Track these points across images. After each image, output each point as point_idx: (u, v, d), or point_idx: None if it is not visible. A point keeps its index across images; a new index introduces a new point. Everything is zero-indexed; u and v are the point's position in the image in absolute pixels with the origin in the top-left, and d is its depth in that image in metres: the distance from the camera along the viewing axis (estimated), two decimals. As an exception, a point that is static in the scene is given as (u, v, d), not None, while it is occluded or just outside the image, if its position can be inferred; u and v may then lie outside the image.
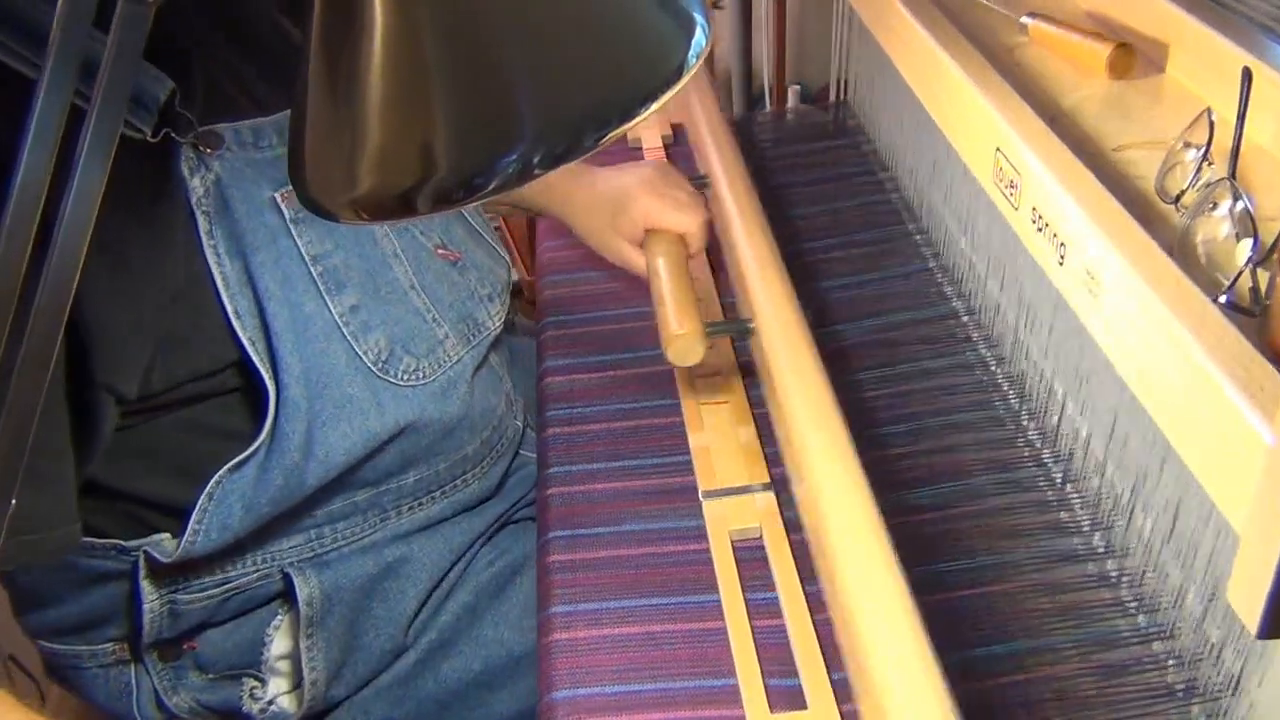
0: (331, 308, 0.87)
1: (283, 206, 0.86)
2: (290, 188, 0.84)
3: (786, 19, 2.14)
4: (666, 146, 1.43)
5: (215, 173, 0.83)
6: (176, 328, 0.82)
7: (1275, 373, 0.55)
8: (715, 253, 1.14)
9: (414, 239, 0.96)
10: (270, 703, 0.92)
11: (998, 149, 0.81)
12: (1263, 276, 0.64)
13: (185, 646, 0.92)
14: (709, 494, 0.94)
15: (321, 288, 0.87)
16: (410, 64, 0.45)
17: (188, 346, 0.83)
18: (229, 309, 0.83)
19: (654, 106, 0.46)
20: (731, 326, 0.94)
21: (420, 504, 0.97)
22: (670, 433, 1.01)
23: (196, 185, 0.82)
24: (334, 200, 0.48)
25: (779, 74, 1.83)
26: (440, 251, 0.98)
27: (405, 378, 0.92)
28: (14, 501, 0.57)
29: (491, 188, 0.45)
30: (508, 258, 1.08)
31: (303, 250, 0.87)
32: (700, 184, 1.05)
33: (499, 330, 1.04)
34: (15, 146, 0.51)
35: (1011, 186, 0.80)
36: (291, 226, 0.86)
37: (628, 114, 0.45)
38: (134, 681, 0.94)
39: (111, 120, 0.51)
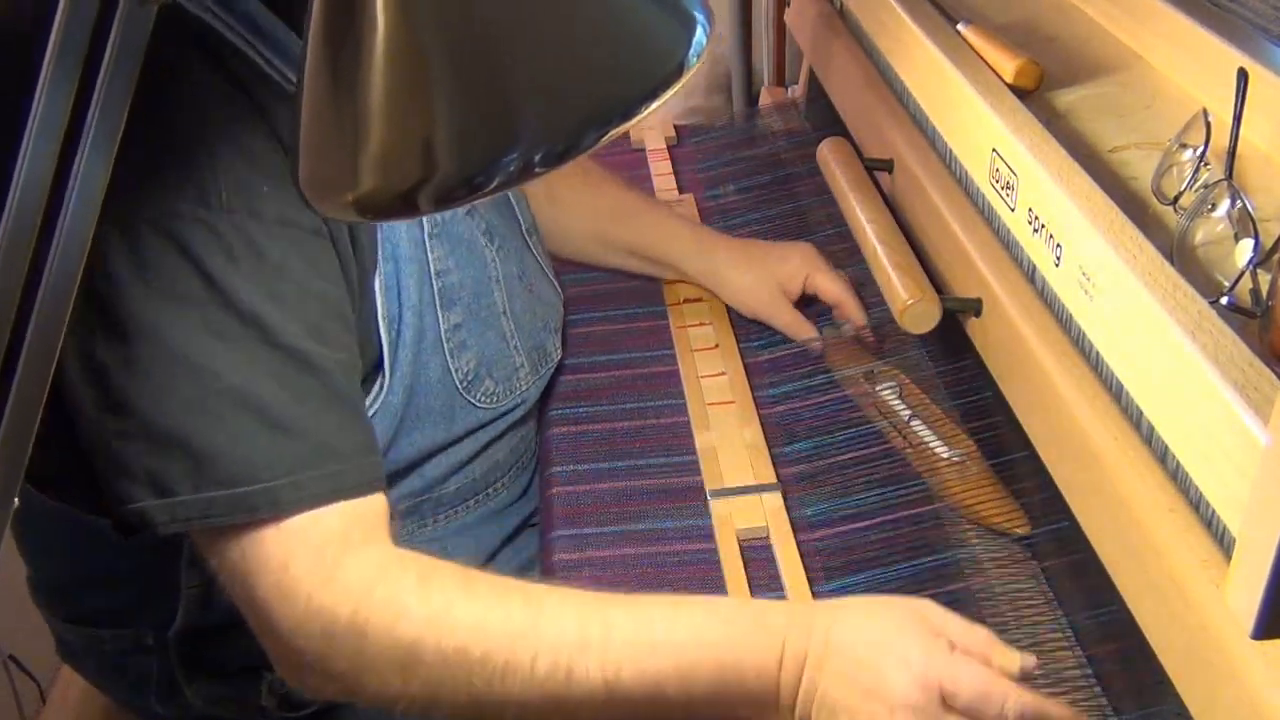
0: (441, 323, 0.90)
1: (424, 219, 0.88)
2: None
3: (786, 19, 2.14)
4: (670, 148, 1.43)
5: None
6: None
7: (1271, 374, 0.56)
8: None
9: (508, 265, 0.99)
10: (289, 692, 0.92)
11: (994, 150, 0.82)
12: (1263, 278, 0.64)
13: (211, 637, 0.92)
14: (716, 493, 0.94)
15: (438, 303, 0.90)
16: (411, 62, 0.45)
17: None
18: (380, 312, 0.85)
19: (655, 105, 0.46)
20: (963, 302, 0.88)
21: (456, 511, 0.98)
22: (676, 432, 1.01)
23: None
24: (335, 199, 0.49)
25: (779, 74, 1.83)
26: (519, 281, 1.01)
27: (482, 400, 0.95)
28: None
29: (492, 186, 0.45)
30: (559, 289, 1.10)
31: (431, 264, 0.89)
32: (877, 166, 1.05)
33: (559, 361, 1.06)
34: (17, 145, 0.51)
35: (1008, 188, 0.80)
36: (426, 239, 0.88)
37: (629, 113, 0.46)
38: (154, 670, 0.94)
39: (113, 120, 0.51)
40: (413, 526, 0.95)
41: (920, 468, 0.89)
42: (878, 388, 0.95)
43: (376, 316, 0.85)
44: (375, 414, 0.87)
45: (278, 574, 0.74)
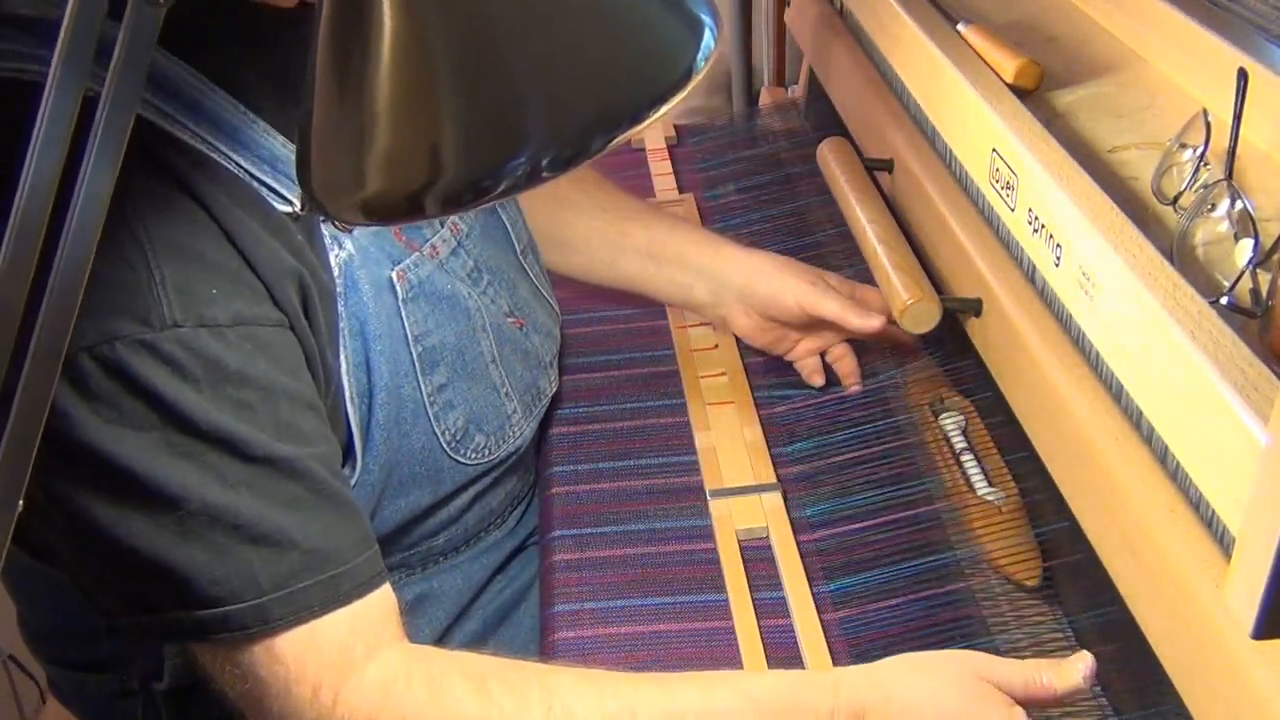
0: (423, 388, 0.86)
1: (397, 286, 0.84)
2: (404, 265, 0.84)
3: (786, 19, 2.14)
4: (670, 148, 1.44)
5: (348, 250, 0.80)
6: None
7: (1271, 374, 0.56)
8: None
9: (496, 308, 0.94)
10: None
11: (994, 150, 0.82)
12: (1263, 278, 0.64)
13: (200, 689, 0.90)
14: (716, 493, 0.94)
15: (419, 368, 0.86)
16: (419, 66, 0.45)
17: None
18: (347, 394, 0.81)
19: (663, 110, 0.46)
20: (963, 302, 0.87)
21: (446, 558, 0.96)
22: (676, 433, 1.02)
23: (331, 263, 0.79)
24: (341, 201, 0.49)
25: (779, 74, 1.83)
26: (509, 319, 0.97)
27: (473, 457, 0.91)
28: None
29: (499, 190, 0.45)
30: (558, 310, 1.07)
31: (408, 330, 0.85)
32: (876, 166, 1.04)
33: (553, 394, 1.03)
34: (22, 151, 0.51)
35: (1008, 188, 0.80)
36: (402, 306, 0.84)
37: (637, 117, 0.46)
38: (139, 711, 0.93)
39: (120, 123, 0.51)
40: (400, 576, 0.93)
41: (955, 503, 0.87)
42: (941, 418, 0.93)
43: (344, 398, 0.81)
44: (353, 490, 0.83)
45: (281, 698, 0.71)
